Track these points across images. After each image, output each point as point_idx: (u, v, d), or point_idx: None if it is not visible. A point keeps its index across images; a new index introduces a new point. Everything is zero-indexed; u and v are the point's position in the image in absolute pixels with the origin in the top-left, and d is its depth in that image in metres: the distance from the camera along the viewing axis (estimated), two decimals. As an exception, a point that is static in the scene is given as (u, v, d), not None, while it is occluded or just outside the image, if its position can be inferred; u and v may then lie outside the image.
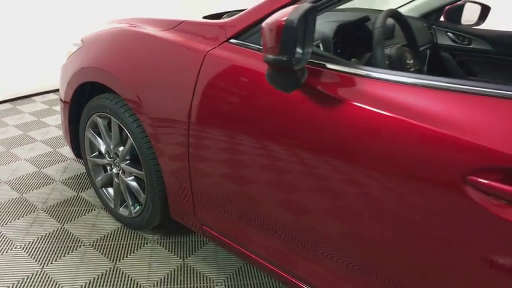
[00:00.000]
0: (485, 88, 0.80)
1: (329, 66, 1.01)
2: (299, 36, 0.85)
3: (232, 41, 1.21)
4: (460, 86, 0.82)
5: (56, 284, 1.46)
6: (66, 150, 2.50)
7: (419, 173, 0.83)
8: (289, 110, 1.02)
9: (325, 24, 1.38)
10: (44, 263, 1.56)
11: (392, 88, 0.89)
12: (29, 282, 1.46)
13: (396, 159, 0.86)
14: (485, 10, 2.23)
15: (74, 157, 2.27)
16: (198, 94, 1.24)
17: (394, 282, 0.95)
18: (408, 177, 0.84)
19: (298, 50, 0.87)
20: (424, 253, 0.87)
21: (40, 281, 1.47)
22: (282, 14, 0.86)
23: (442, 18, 2.31)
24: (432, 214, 0.83)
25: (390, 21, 1.56)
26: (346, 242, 1.01)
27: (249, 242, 1.29)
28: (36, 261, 1.57)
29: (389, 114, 0.87)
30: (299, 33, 0.85)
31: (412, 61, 1.30)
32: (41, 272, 1.52)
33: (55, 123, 2.95)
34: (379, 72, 0.93)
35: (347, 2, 1.07)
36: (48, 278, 1.49)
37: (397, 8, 2.29)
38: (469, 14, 2.26)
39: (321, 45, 1.32)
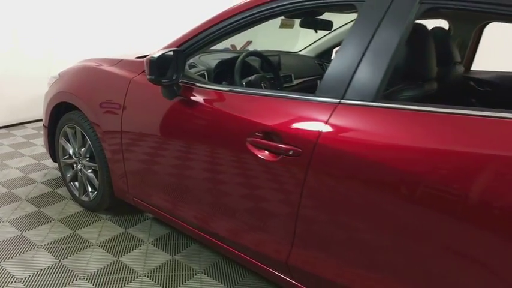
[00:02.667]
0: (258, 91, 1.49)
1: (197, 84, 1.70)
2: (173, 65, 1.55)
3: (147, 71, 1.91)
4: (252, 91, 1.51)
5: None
6: (48, 161, 3.15)
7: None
8: (172, 110, 1.71)
9: (211, 61, 2.10)
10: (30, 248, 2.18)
11: (227, 95, 1.57)
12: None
13: (220, 129, 1.53)
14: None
15: (42, 177, 2.91)
16: (125, 108, 1.92)
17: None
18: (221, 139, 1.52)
19: (169, 75, 1.57)
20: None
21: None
22: (154, 53, 1.56)
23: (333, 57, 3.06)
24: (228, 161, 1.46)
25: (255, 58, 2.23)
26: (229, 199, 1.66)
27: (165, 208, 1.92)
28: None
29: (214, 106, 1.55)
30: (166, 64, 1.54)
31: (266, 85, 2.00)
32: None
33: (41, 143, 3.61)
34: (222, 86, 1.63)
35: (212, 47, 1.78)
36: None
37: (300, 50, 3.04)
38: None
39: (205, 73, 2.04)
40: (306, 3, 1.45)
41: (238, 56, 2.04)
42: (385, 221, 1.17)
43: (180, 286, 1.82)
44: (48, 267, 1.90)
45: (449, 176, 1.04)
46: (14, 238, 2.12)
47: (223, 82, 2.08)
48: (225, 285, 1.84)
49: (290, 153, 1.33)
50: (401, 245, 1.16)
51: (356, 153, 1.20)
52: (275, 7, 1.50)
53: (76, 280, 1.82)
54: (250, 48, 4.30)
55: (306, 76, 2.74)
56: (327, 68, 1.38)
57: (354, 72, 1.27)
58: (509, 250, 0.97)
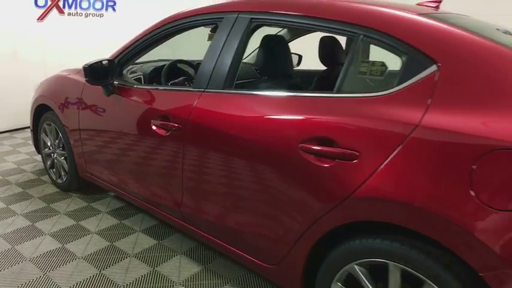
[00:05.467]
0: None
1: (127, 84, 2.28)
2: (108, 71, 2.13)
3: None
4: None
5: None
6: (39, 157, 3.77)
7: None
8: (110, 104, 2.29)
9: (148, 68, 2.69)
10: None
11: (146, 91, 2.15)
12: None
13: (137, 116, 2.11)
14: (300, 58, 3.53)
15: (32, 168, 3.53)
16: (81, 110, 2.52)
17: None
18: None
19: (105, 78, 2.16)
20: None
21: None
22: (89, 62, 2.15)
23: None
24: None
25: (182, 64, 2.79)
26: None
27: (114, 183, 2.49)
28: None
29: (135, 99, 2.13)
30: (100, 70, 2.13)
31: (190, 84, 2.56)
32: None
33: (27, 151, 4.18)
34: (148, 86, 2.21)
35: (140, 57, 2.36)
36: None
37: (243, 58, 3.60)
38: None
39: (142, 77, 2.62)
40: (195, 22, 2.02)
41: (174, 62, 2.64)
42: (234, 172, 1.71)
43: (118, 240, 2.38)
44: (24, 227, 2.49)
45: (260, 137, 1.58)
46: (1, 210, 2.72)
47: (154, 83, 2.66)
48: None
49: (174, 129, 1.89)
50: (246, 186, 1.69)
51: (211, 125, 1.75)
52: (177, 25, 2.08)
53: (41, 236, 2.40)
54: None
55: (244, 79, 3.30)
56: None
57: (213, 70, 1.83)
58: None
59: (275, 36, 2.11)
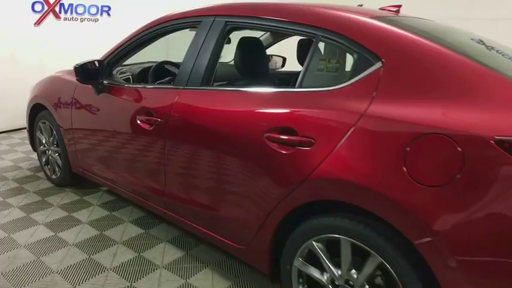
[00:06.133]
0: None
1: (116, 83, 2.45)
2: (98, 71, 2.31)
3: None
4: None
5: (8, 202, 2.83)
6: (25, 164, 3.92)
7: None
8: (100, 102, 2.46)
9: (137, 69, 2.86)
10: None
11: (132, 90, 2.32)
12: None
13: (124, 113, 2.27)
14: (284, 60, 3.71)
15: (28, 166, 3.70)
16: (73, 108, 2.69)
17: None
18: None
19: (95, 77, 2.33)
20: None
21: (0, 201, 2.84)
22: (79, 62, 2.32)
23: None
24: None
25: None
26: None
27: (104, 176, 2.65)
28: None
29: (122, 97, 2.30)
30: (90, 70, 2.30)
31: (175, 83, 2.72)
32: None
33: (24, 149, 4.36)
34: (135, 85, 2.38)
35: (128, 59, 2.53)
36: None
37: (231, 60, 3.77)
38: (275, 63, 3.72)
39: (130, 77, 2.79)
40: (177, 25, 2.19)
41: (160, 64, 2.81)
42: (209, 162, 1.87)
43: (107, 229, 2.54)
44: (19, 218, 2.65)
45: (231, 129, 1.74)
46: (-2, 202, 2.89)
47: (141, 83, 2.83)
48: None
49: (157, 124, 2.05)
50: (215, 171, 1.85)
51: (189, 119, 1.92)
52: (160, 28, 2.25)
53: (35, 225, 2.56)
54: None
55: (226, 79, 3.46)
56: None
57: (191, 69, 1.99)
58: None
59: (250, 38, 2.27)
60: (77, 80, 2.37)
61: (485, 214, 1.15)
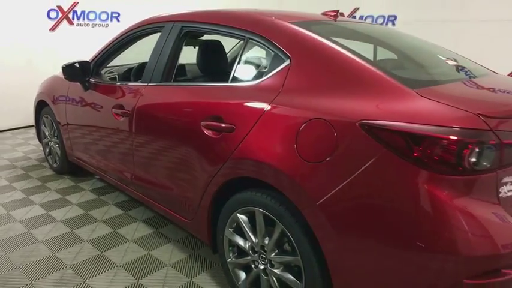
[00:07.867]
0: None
1: (101, 81, 2.80)
2: (83, 71, 2.67)
3: (80, 76, 3.05)
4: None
5: (12, 186, 3.24)
6: (34, 155, 4.34)
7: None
8: (88, 99, 2.82)
9: (123, 69, 3.21)
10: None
11: (112, 86, 2.66)
12: (1, 185, 3.25)
13: (104, 106, 2.61)
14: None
15: (36, 157, 4.11)
16: (67, 103, 3.06)
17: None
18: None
19: (82, 76, 2.69)
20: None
21: (6, 185, 3.25)
22: (67, 63, 2.68)
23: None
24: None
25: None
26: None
27: (92, 163, 3.01)
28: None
29: (103, 93, 2.64)
30: (77, 69, 2.66)
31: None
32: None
33: (36, 143, 4.81)
34: (114, 82, 2.72)
35: (113, 60, 2.88)
36: (10, 184, 3.27)
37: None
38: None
39: (117, 76, 3.14)
40: (147, 30, 2.52)
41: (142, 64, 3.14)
42: (161, 146, 2.17)
43: (91, 210, 2.89)
44: (19, 199, 3.04)
45: (176, 117, 2.04)
46: (4, 186, 3.29)
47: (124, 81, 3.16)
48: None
49: (126, 115, 2.37)
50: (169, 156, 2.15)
51: (148, 110, 2.23)
52: (132, 33, 2.59)
53: (32, 205, 2.94)
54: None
55: (190, 76, 3.72)
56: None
57: (154, 67, 2.30)
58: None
59: (209, 40, 2.53)
60: (65, 78, 2.73)
61: (351, 188, 1.38)
